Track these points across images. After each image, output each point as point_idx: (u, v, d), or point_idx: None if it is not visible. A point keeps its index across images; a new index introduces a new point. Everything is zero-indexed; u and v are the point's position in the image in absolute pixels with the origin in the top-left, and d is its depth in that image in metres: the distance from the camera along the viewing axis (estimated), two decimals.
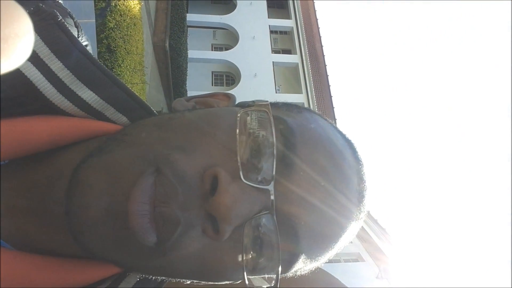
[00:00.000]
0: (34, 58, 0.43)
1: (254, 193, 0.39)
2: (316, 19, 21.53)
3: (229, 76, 21.49)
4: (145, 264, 0.40)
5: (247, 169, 0.40)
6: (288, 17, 22.13)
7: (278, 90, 19.76)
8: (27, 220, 0.44)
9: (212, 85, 21.04)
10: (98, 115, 0.49)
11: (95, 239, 0.37)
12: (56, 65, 0.44)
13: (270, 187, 0.39)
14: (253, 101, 0.45)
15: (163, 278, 0.45)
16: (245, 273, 0.39)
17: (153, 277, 0.44)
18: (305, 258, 0.43)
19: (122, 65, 6.11)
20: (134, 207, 0.35)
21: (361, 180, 0.47)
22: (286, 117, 0.45)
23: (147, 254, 0.37)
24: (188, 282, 0.45)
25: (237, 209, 0.37)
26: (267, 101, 0.44)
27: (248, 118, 0.42)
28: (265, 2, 22.02)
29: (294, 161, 0.41)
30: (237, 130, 0.40)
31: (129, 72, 6.48)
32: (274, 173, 0.39)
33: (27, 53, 0.26)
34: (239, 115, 0.41)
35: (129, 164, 0.38)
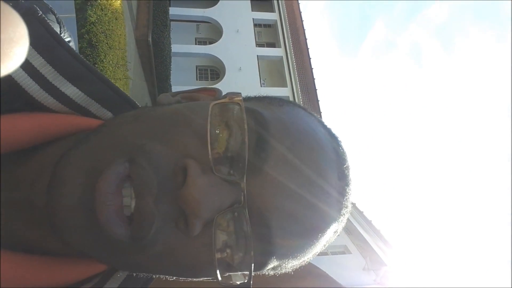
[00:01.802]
0: None
1: (225, 186, 0.38)
2: (300, 12, 21.49)
3: (213, 70, 21.34)
4: (122, 259, 0.39)
5: (219, 161, 0.39)
6: (272, 10, 22.03)
7: (263, 84, 19.71)
8: (14, 217, 0.43)
9: (197, 79, 20.87)
10: (83, 111, 0.48)
11: (70, 231, 0.37)
12: (38, 61, 0.44)
13: (242, 180, 0.38)
14: (227, 93, 0.44)
15: (149, 275, 0.45)
16: (217, 270, 0.38)
17: (140, 275, 0.44)
18: (282, 253, 0.42)
19: (104, 61, 6.02)
20: (99, 198, 0.34)
21: (342, 175, 0.45)
22: (263, 109, 0.44)
23: (122, 249, 0.37)
24: (173, 278, 0.44)
25: (206, 202, 0.36)
26: (239, 93, 0.43)
27: (220, 110, 0.41)
28: None
29: (267, 154, 0.40)
30: (208, 123, 0.39)
31: (112, 67, 6.38)
32: (246, 165, 0.38)
33: (22, 58, 0.26)
34: (210, 107, 0.40)
35: (101, 154, 0.38)
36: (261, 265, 0.42)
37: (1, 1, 0.23)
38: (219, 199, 0.38)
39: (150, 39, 11.27)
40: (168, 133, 0.40)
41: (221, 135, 0.40)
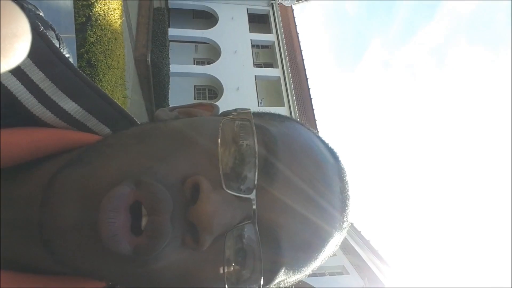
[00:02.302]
0: (15, 69, 0.42)
1: (236, 202, 0.38)
2: (297, 33, 21.86)
3: (211, 90, 21.48)
4: (122, 275, 0.39)
5: (229, 178, 0.39)
6: (269, 32, 22.36)
7: (261, 103, 19.83)
8: (9, 234, 0.42)
9: (195, 99, 20.94)
10: (81, 126, 0.48)
11: (66, 248, 0.36)
12: (37, 76, 0.44)
13: (252, 196, 0.38)
14: (235, 109, 0.44)
15: None
16: (226, 286, 0.38)
17: None
18: (288, 268, 0.42)
19: (103, 80, 6.04)
20: (103, 215, 0.34)
21: (343, 189, 0.46)
22: (269, 125, 0.44)
23: (123, 264, 0.36)
24: None
25: (219, 218, 0.36)
26: (249, 109, 0.44)
27: (231, 126, 0.41)
28: (246, 17, 22.24)
29: (277, 170, 0.40)
30: (219, 139, 0.39)
31: (111, 86, 6.41)
32: (256, 182, 0.38)
33: (25, 53, 0.26)
34: (221, 123, 0.41)
35: (106, 175, 0.37)
36: (268, 280, 0.42)
37: None
38: (231, 215, 0.38)
39: (149, 59, 11.37)
40: (174, 152, 0.40)
41: (230, 150, 0.40)
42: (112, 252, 0.34)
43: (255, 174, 0.39)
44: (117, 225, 0.34)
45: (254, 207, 0.38)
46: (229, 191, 0.38)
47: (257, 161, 0.39)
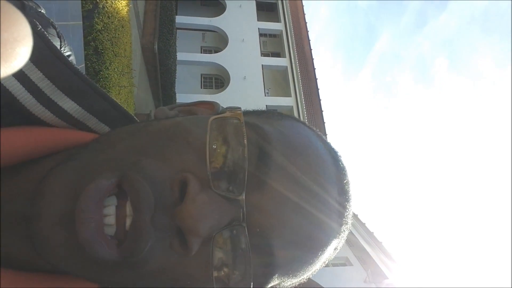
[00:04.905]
0: None
1: (224, 203, 0.37)
2: (305, 22, 21.63)
3: (218, 79, 21.43)
4: (109, 278, 0.38)
5: (218, 177, 0.38)
6: (278, 20, 22.19)
7: (267, 93, 19.77)
8: (6, 232, 0.42)
9: (201, 87, 20.97)
10: (81, 125, 0.48)
11: (50, 248, 0.35)
12: (36, 75, 0.43)
13: (241, 197, 0.37)
14: (227, 108, 0.43)
15: None
16: None
17: None
18: (282, 271, 0.41)
19: (109, 68, 6.05)
20: (79, 214, 0.33)
21: (342, 190, 0.45)
22: (263, 124, 0.44)
23: (108, 267, 0.35)
24: None
25: (205, 220, 0.35)
26: (239, 108, 0.43)
27: (220, 125, 0.40)
28: (254, 5, 22.07)
29: (269, 169, 0.39)
30: (207, 138, 0.39)
31: (117, 74, 6.41)
32: (245, 182, 0.37)
33: (26, 57, 0.26)
34: (209, 121, 0.40)
35: (90, 170, 0.37)
36: (261, 283, 0.41)
37: (5, 1, 0.23)
38: (218, 216, 0.37)
39: (156, 47, 11.35)
40: (164, 148, 0.39)
41: (220, 150, 0.39)
42: (90, 254, 0.33)
43: (244, 174, 0.38)
44: (95, 225, 0.33)
45: (244, 209, 0.37)
46: (217, 192, 0.37)
47: (246, 160, 0.38)
